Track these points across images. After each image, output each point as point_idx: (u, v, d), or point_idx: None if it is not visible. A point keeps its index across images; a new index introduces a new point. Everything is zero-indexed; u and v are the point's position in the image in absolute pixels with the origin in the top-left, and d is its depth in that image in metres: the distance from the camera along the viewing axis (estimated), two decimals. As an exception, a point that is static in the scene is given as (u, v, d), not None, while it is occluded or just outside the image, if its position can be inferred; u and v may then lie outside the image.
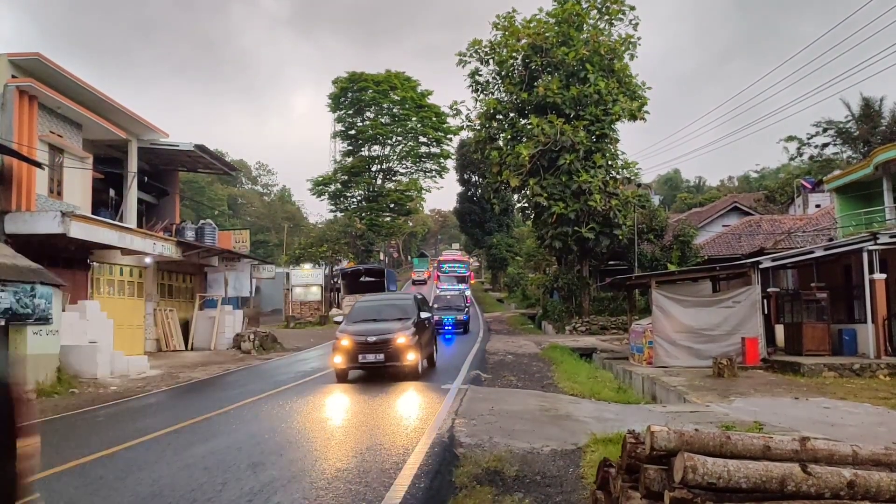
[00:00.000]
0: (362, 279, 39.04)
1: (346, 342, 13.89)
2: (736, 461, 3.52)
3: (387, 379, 13.85)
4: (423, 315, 15.45)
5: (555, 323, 34.09)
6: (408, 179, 63.26)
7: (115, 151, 23.22)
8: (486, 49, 33.38)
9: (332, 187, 60.32)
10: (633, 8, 32.11)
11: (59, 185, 18.97)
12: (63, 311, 15.78)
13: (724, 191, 71.35)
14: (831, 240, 22.57)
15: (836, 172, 25.82)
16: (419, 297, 16.91)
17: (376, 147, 60.70)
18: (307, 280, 48.58)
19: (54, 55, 18.25)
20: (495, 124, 33.69)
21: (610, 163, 31.07)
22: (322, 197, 61.48)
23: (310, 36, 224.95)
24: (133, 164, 23.25)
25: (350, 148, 60.77)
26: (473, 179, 64.19)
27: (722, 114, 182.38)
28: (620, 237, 30.30)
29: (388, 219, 62.37)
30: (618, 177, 31.55)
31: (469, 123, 35.39)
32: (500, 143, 32.96)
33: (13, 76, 17.16)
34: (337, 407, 11.45)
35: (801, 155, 44.44)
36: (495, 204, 44.48)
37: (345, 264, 51.16)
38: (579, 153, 29.35)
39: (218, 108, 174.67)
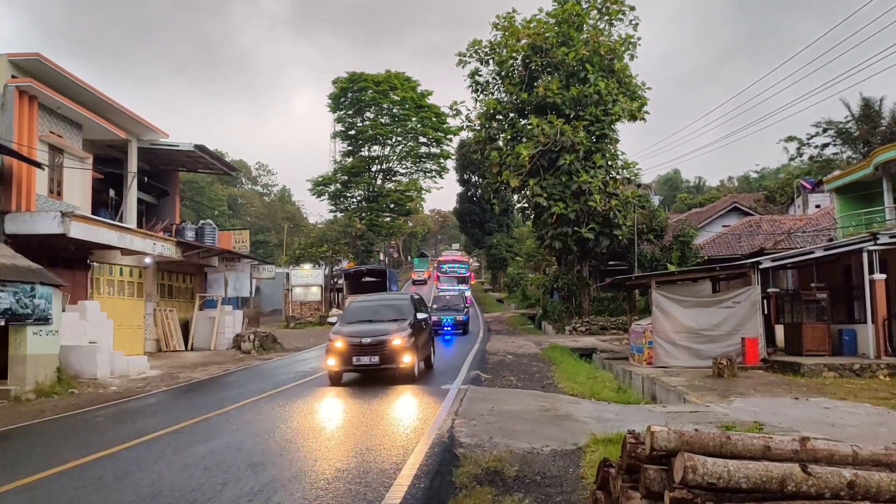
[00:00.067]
0: (364, 279, 39.07)
1: (339, 344, 13.37)
2: (736, 461, 3.52)
3: (385, 380, 13.68)
4: (420, 316, 14.90)
5: (555, 323, 34.09)
6: (408, 180, 63.37)
7: (115, 151, 23.23)
8: (486, 49, 33.37)
9: (332, 187, 60.38)
10: (633, 8, 32.13)
11: (59, 185, 18.96)
12: (63, 311, 15.78)
13: (723, 191, 71.31)
14: (831, 240, 22.57)
15: (836, 173, 25.81)
16: (416, 297, 16.45)
17: (376, 147, 60.79)
18: (307, 280, 48.58)
19: (54, 55, 18.28)
20: (495, 124, 33.68)
21: (610, 163, 31.06)
22: (322, 197, 61.64)
23: (310, 36, 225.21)
24: (133, 165, 23.26)
25: (350, 148, 60.82)
26: (473, 180, 64.17)
27: (722, 114, 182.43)
28: (620, 237, 30.29)
29: (388, 219, 62.42)
30: (618, 177, 31.53)
31: (469, 124, 35.40)
32: (500, 143, 32.94)
33: (13, 76, 17.17)
34: (337, 407, 11.44)
35: (801, 155, 44.48)
36: (495, 204, 44.45)
37: (345, 265, 51.18)
38: (579, 153, 29.34)
39: (218, 108, 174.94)
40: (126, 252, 20.17)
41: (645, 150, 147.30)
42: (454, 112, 35.29)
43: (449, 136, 60.41)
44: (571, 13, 31.37)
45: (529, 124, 30.39)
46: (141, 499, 6.01)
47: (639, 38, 32.33)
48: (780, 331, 18.79)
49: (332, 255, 50.58)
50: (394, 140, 60.35)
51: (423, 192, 65.37)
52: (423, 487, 5.93)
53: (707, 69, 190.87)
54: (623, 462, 4.10)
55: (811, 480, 3.43)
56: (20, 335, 13.89)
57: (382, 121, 59.32)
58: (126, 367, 17.18)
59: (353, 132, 59.80)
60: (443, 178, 73.14)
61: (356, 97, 57.93)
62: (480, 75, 34.10)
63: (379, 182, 61.13)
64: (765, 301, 18.67)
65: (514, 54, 32.37)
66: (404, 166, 62.94)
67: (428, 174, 63.52)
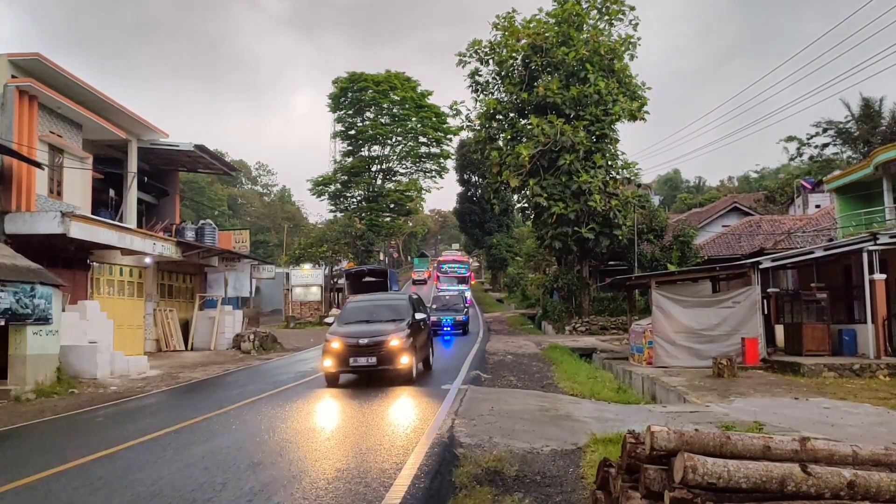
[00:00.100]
0: (366, 279, 39.10)
1: (336, 344, 13.14)
2: (736, 461, 3.52)
3: (384, 381, 13.58)
4: (419, 316, 14.59)
5: (555, 323, 34.09)
6: (408, 179, 63.39)
7: (115, 151, 23.23)
8: (486, 49, 33.37)
9: (332, 187, 60.40)
10: (633, 8, 32.14)
11: (58, 185, 18.97)
12: (63, 311, 15.78)
13: (723, 191, 71.33)
14: (831, 240, 22.57)
15: (836, 173, 25.81)
16: (414, 297, 16.22)
17: (376, 147, 60.81)
18: (307, 280, 48.57)
19: (54, 55, 18.29)
20: (495, 124, 33.68)
21: (610, 163, 31.06)
22: (322, 197, 61.65)
23: (310, 36, 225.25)
24: (133, 165, 23.26)
25: (350, 148, 60.84)
26: (473, 180, 64.18)
27: (722, 114, 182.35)
28: (620, 237, 30.30)
29: (388, 219, 62.43)
30: (618, 177, 31.53)
31: (469, 123, 35.40)
32: (500, 143, 32.94)
33: (13, 76, 17.17)
34: (336, 407, 11.43)
35: (801, 155, 44.48)
36: (495, 204, 44.46)
37: (345, 265, 51.19)
38: (579, 153, 29.35)
39: (218, 108, 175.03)
40: (126, 252, 20.17)
41: (645, 150, 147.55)
42: (454, 112, 35.35)
43: (449, 136, 60.44)
44: (571, 13, 31.38)
45: (529, 124, 30.39)
46: (141, 499, 6.00)
47: (639, 38, 32.41)
48: (780, 331, 18.79)
49: (332, 255, 50.56)
50: (394, 140, 60.38)
51: (423, 192, 65.47)
52: (423, 487, 5.93)
53: (708, 69, 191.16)
54: (623, 462, 4.10)
55: (811, 480, 3.43)
56: (20, 335, 13.89)
57: (382, 121, 59.34)
58: (126, 366, 17.18)
59: (353, 132, 59.82)
60: (443, 178, 73.33)
61: (356, 97, 57.95)
62: (480, 75, 34.13)
63: (379, 182, 61.15)
64: (765, 301, 18.66)
65: (514, 54, 32.37)
66: (404, 166, 63.02)
67: (428, 174, 63.59)
